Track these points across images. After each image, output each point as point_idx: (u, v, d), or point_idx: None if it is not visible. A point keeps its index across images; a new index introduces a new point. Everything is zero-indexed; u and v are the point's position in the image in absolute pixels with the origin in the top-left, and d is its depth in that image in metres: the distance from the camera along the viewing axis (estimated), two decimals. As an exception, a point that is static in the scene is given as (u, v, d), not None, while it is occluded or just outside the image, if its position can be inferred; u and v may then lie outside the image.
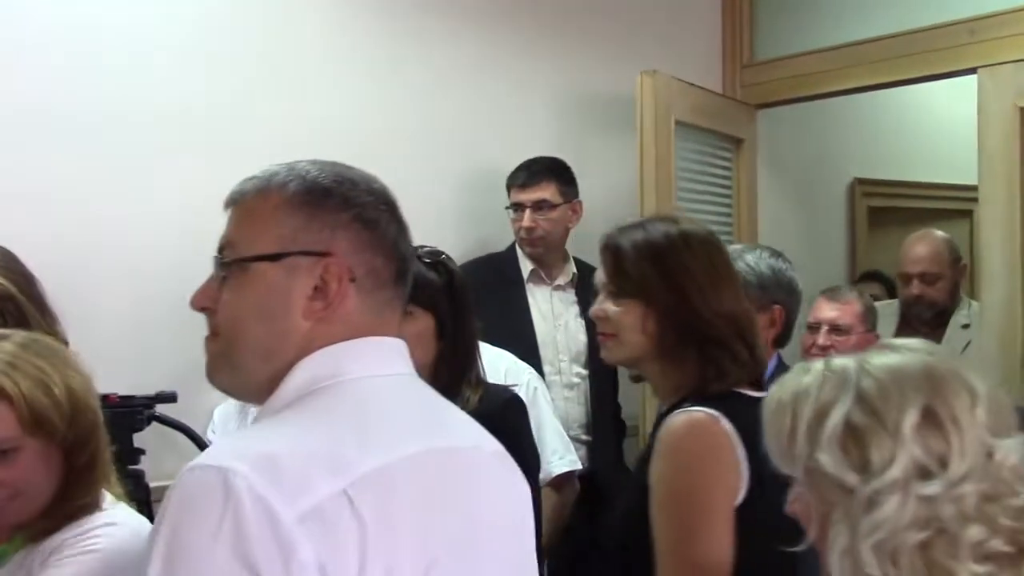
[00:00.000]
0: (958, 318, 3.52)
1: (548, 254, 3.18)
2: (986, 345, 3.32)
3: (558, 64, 3.63)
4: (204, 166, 2.76)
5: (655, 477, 1.61)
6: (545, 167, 3.17)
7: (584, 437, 3.13)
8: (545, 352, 3.07)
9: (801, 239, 4.28)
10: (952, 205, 5.09)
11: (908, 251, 3.58)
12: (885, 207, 5.03)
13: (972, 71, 3.37)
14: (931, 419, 1.06)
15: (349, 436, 1.03)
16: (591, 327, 3.13)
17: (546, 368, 3.03)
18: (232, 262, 1.12)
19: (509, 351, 2.82)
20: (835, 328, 2.85)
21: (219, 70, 2.90)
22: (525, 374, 2.76)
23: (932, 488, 1.03)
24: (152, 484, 2.43)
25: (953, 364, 1.12)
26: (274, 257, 1.10)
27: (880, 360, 1.12)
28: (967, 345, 3.44)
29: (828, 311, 2.88)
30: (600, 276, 1.80)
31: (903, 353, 1.13)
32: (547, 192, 3.13)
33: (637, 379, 1.86)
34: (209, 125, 2.86)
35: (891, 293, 3.99)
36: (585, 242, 3.38)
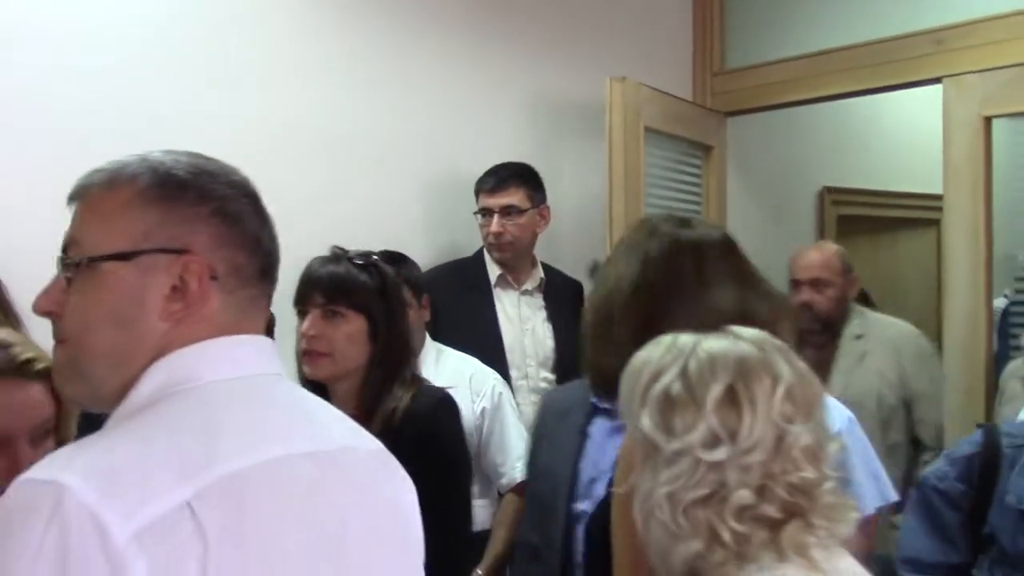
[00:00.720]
0: (851, 329, 3.39)
1: (516, 259, 3.18)
2: (950, 353, 3.34)
3: (528, 69, 3.63)
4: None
5: (616, 475, 1.61)
6: (513, 172, 3.17)
7: (551, 442, 3.13)
8: (512, 357, 3.06)
9: (771, 246, 4.28)
10: (920, 214, 5.14)
11: (799, 258, 3.48)
12: (854, 215, 5.07)
13: (937, 80, 3.41)
14: (731, 398, 1.22)
15: (197, 444, 0.96)
16: (558, 332, 3.16)
17: (513, 373, 3.03)
18: (79, 263, 1.04)
19: (476, 356, 2.82)
20: None
21: (186, 70, 2.89)
22: (490, 379, 2.76)
23: (718, 455, 1.20)
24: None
25: (768, 355, 1.26)
26: (126, 256, 1.03)
27: (710, 343, 1.28)
28: (863, 356, 3.33)
29: None
30: None
31: (733, 340, 1.29)
32: (515, 197, 3.13)
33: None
34: (174, 125, 2.83)
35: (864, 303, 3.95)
36: (553, 247, 3.40)
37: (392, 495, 1.16)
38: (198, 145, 2.80)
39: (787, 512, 1.19)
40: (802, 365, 1.29)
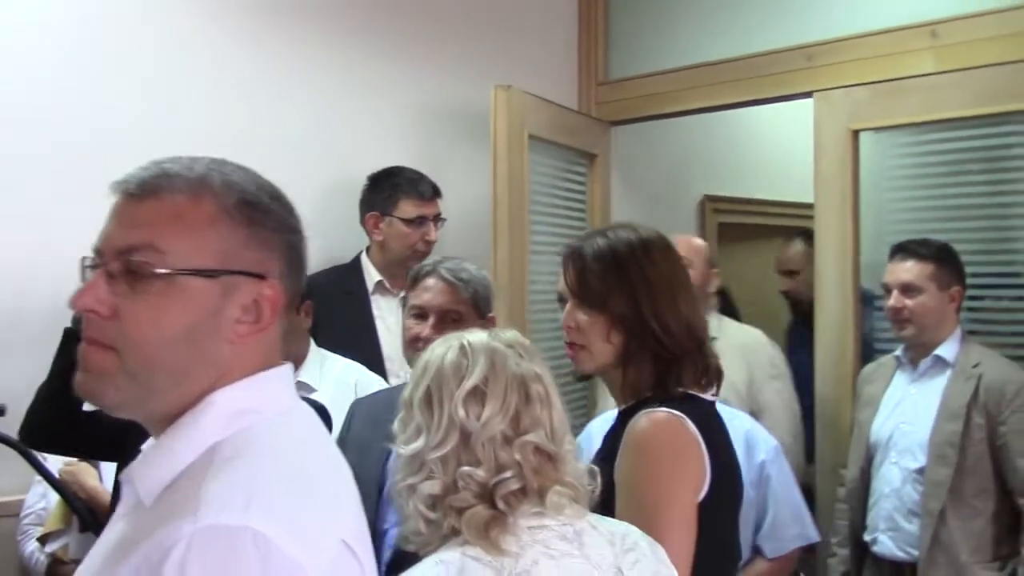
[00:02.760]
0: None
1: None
2: (821, 359, 3.47)
3: (415, 76, 3.64)
4: (43, 171, 2.67)
5: (622, 475, 1.65)
6: (432, 181, 3.21)
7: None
8: (391, 364, 3.05)
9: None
10: (797, 223, 5.30)
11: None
12: (734, 223, 5.22)
13: (808, 95, 3.54)
14: (428, 399, 1.42)
15: (325, 485, 1.03)
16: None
17: (392, 380, 2.98)
18: (161, 272, 0.99)
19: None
20: None
21: (71, 68, 2.82)
22: (375, 385, 2.75)
23: (412, 448, 1.40)
24: (-20, 501, 2.34)
25: (468, 358, 1.42)
26: (213, 273, 1.01)
27: (435, 350, 1.47)
28: None
29: None
30: (562, 285, 1.82)
31: (444, 346, 1.47)
32: (440, 206, 3.20)
33: (586, 377, 1.89)
34: (52, 129, 2.77)
35: (726, 307, 3.96)
36: (439, 253, 3.39)
37: None
38: (79, 149, 2.74)
39: (480, 498, 1.35)
40: (532, 368, 1.44)
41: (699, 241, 3.60)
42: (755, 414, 3.19)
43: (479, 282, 2.35)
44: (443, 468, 1.37)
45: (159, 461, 1.01)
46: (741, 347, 3.27)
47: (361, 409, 2.42)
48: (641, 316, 1.72)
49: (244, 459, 0.98)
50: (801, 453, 3.35)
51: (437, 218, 3.20)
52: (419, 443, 1.39)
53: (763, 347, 3.37)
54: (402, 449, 1.41)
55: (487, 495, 1.35)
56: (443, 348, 1.46)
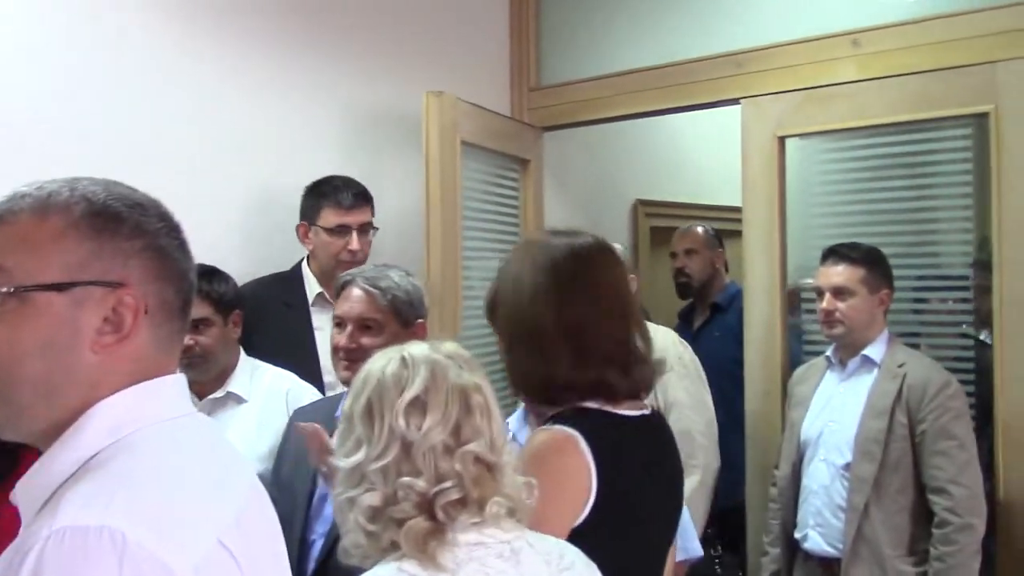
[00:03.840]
0: None
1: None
2: (750, 359, 3.53)
3: (348, 82, 3.62)
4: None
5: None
6: (361, 189, 3.12)
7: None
8: (329, 377, 2.95)
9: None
10: (728, 226, 5.38)
11: None
12: (665, 227, 5.28)
13: (736, 101, 3.60)
14: (369, 410, 1.41)
15: (199, 485, 1.03)
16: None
17: (329, 393, 2.91)
18: (8, 291, 1.02)
19: (294, 373, 2.78)
20: None
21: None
22: (308, 394, 2.73)
23: (352, 461, 1.40)
24: None
25: (410, 369, 1.42)
26: (60, 287, 1.02)
27: (376, 362, 1.47)
28: None
29: None
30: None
31: (384, 358, 1.47)
32: (368, 214, 3.11)
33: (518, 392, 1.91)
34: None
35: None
36: (373, 259, 3.38)
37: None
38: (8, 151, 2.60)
39: (420, 508, 1.34)
40: (473, 379, 1.44)
41: (617, 246, 3.62)
42: (664, 410, 3.19)
43: (400, 289, 2.33)
44: (383, 479, 1.36)
45: (38, 477, 1.03)
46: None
47: (300, 419, 2.41)
48: (524, 328, 1.74)
49: (114, 462, 1.00)
50: (715, 448, 3.32)
51: (365, 227, 3.09)
52: (359, 455, 1.39)
53: (672, 346, 3.35)
54: (342, 462, 1.41)
55: (427, 505, 1.34)
56: (383, 360, 1.45)
